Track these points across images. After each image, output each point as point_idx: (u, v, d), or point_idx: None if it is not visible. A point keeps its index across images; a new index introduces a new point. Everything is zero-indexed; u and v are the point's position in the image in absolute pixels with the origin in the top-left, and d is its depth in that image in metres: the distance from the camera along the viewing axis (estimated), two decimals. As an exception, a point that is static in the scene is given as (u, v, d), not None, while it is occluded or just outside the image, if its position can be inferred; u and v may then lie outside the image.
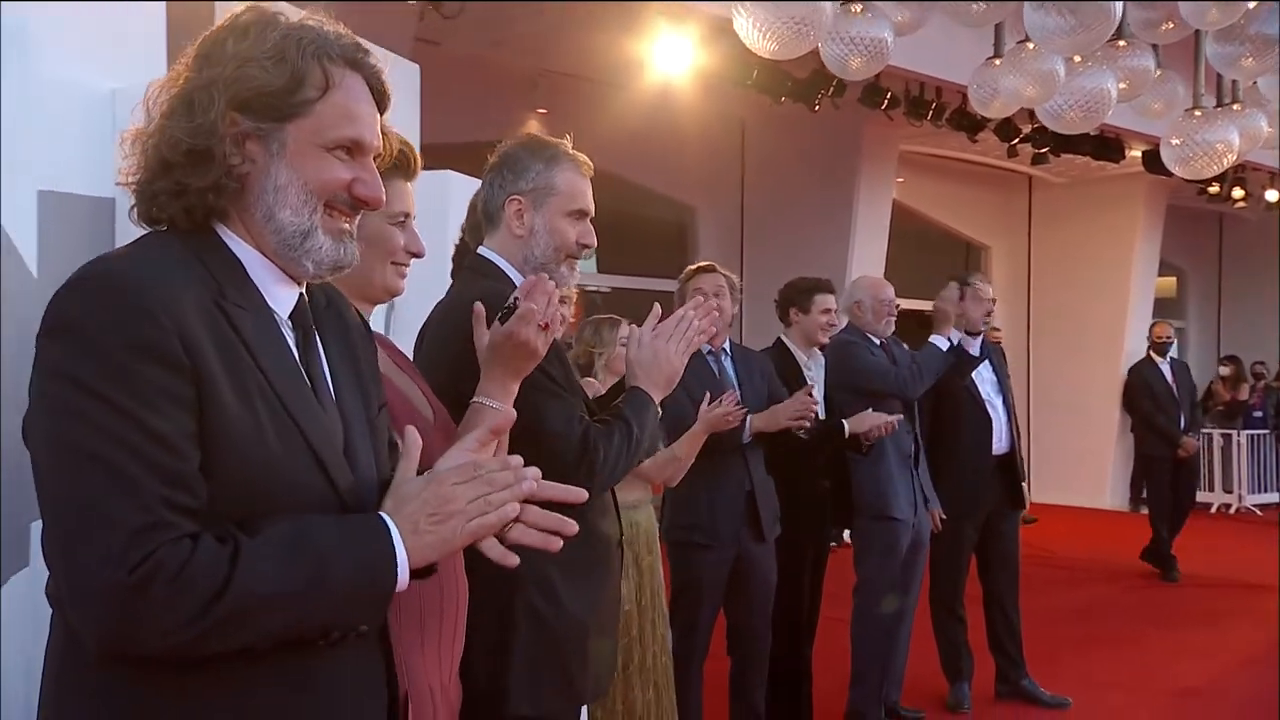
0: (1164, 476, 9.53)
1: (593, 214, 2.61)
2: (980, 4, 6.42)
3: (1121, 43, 7.13)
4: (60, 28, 4.01)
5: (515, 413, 1.64)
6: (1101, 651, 7.00)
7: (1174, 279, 17.07)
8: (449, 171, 5.75)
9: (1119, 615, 8.21)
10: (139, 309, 1.33)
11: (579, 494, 1.65)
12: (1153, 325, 10.11)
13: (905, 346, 5.54)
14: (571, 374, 2.51)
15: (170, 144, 1.44)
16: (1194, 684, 6.37)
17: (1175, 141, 7.53)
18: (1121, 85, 7.03)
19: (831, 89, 8.78)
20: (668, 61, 8.47)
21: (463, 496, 1.45)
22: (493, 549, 1.53)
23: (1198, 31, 6.82)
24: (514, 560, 1.55)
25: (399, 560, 1.41)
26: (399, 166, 2.12)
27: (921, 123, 9.54)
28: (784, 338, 4.97)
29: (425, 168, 6.09)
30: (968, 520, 5.66)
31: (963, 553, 5.76)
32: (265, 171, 1.49)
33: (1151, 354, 9.78)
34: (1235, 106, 7.68)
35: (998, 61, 6.87)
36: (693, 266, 4.64)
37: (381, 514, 1.44)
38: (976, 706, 5.64)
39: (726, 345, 4.57)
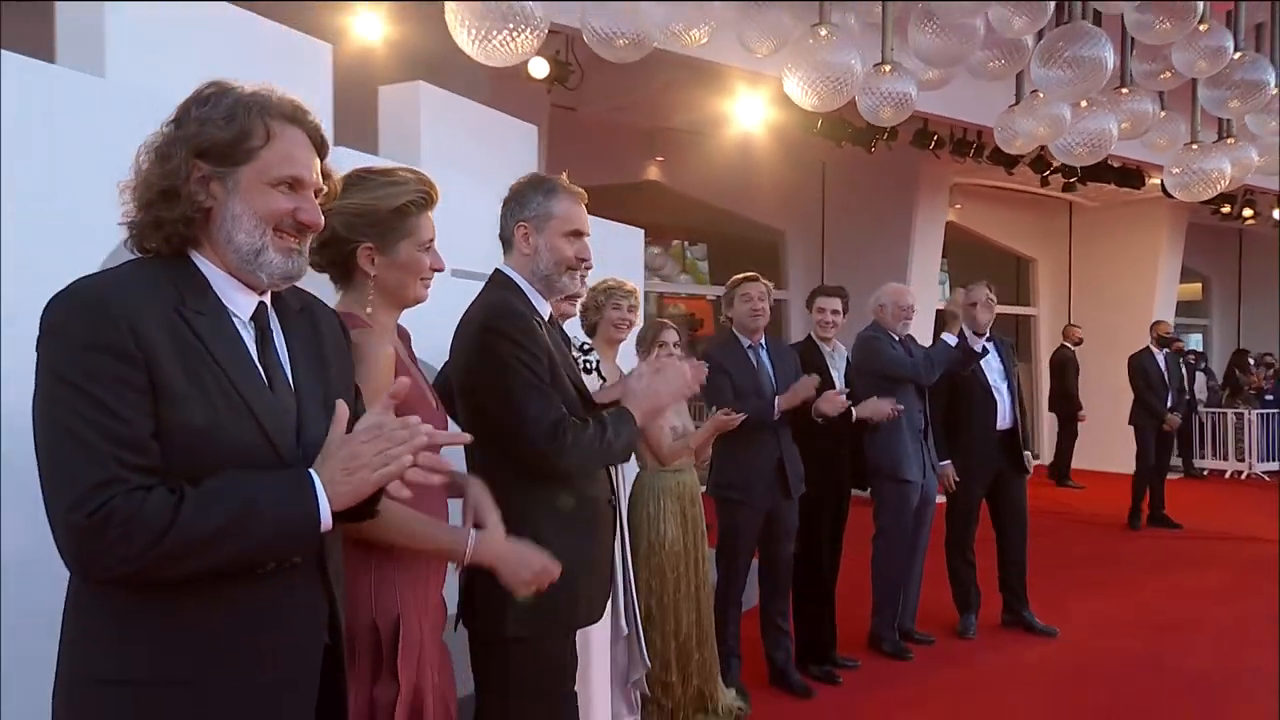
0: (1150, 445, 9.19)
1: (588, 233, 2.55)
2: (997, 61, 6.24)
3: (1124, 90, 6.91)
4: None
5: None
6: (1103, 591, 6.70)
7: (1199, 284, 16.31)
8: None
9: (1124, 562, 7.83)
10: (99, 315, 1.38)
11: (464, 437, 1.69)
12: (1156, 323, 9.66)
13: (947, 340, 5.40)
14: (560, 374, 2.39)
15: (147, 187, 1.49)
16: (1178, 618, 6.07)
17: (1175, 170, 7.31)
18: (1124, 125, 6.81)
19: (886, 134, 8.62)
20: (748, 116, 8.46)
21: (368, 452, 1.45)
22: (392, 488, 1.50)
23: (1194, 78, 6.53)
24: (407, 494, 1.53)
25: (320, 505, 1.43)
26: (425, 203, 2.12)
27: (965, 160, 9.28)
28: (811, 333, 4.93)
29: None
30: (977, 481, 5.53)
31: (973, 508, 5.61)
32: (224, 205, 1.52)
33: (1151, 346, 9.34)
34: (1229, 141, 7.40)
35: (1016, 108, 6.72)
36: (738, 276, 4.61)
37: (309, 470, 1.45)
38: (980, 634, 5.50)
39: (763, 340, 4.52)
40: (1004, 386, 5.58)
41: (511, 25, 4.37)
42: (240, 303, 1.56)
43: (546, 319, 2.48)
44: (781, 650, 4.57)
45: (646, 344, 4.15)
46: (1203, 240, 14.48)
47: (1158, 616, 6.10)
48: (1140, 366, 9.22)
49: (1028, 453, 5.71)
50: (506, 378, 2.27)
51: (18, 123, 3.05)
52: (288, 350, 1.63)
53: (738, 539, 4.40)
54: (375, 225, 2.05)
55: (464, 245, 4.64)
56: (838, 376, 4.81)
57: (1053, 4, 5.49)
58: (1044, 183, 10.24)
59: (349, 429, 1.50)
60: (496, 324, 2.30)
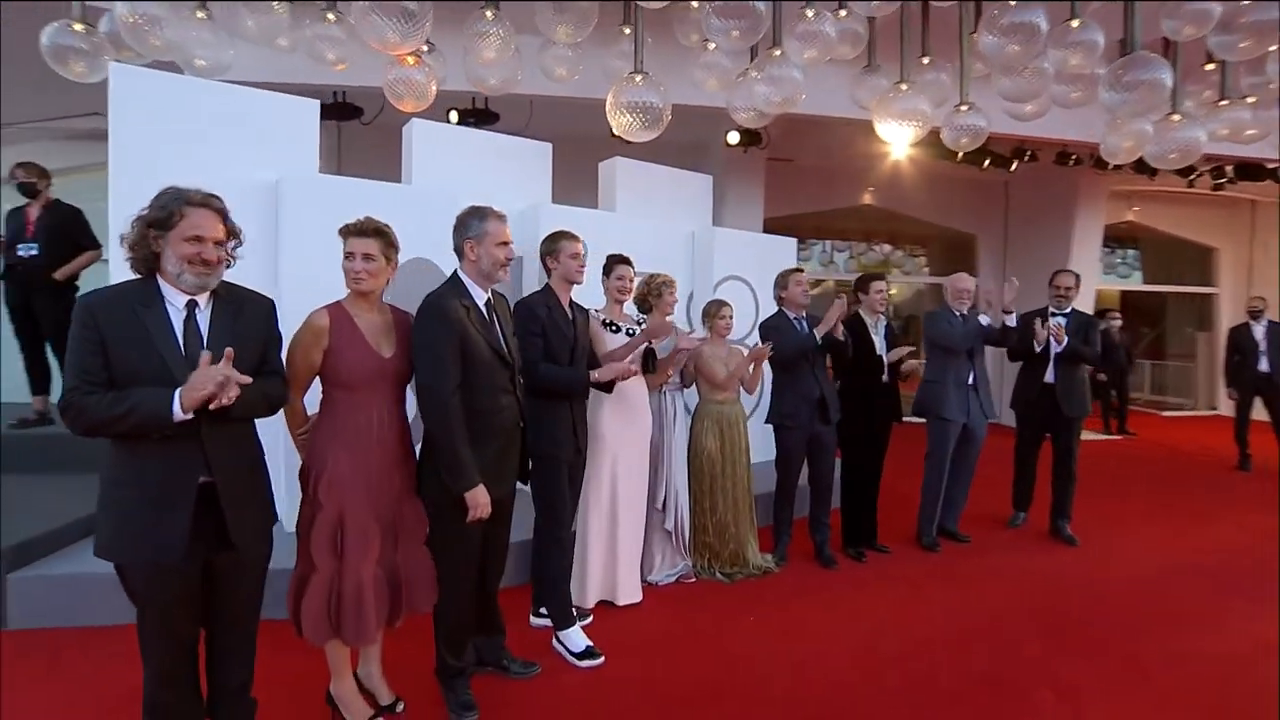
0: (1249, 402, 6.58)
1: (510, 241, 2.36)
2: (1077, 92, 4.76)
3: (1224, 102, 4.97)
4: (467, 164, 4.36)
5: (231, 352, 1.68)
6: (1160, 522, 4.92)
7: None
8: (721, 229, 5.39)
9: (1211, 499, 5.58)
10: (84, 308, 1.67)
11: (245, 379, 1.67)
12: (1251, 298, 6.71)
13: (981, 320, 4.29)
14: (471, 338, 2.22)
15: (128, 242, 1.74)
16: (1200, 548, 4.28)
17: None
18: (1223, 132, 4.90)
19: (1027, 156, 6.91)
20: (899, 150, 7.21)
21: (198, 382, 1.63)
22: (225, 400, 1.66)
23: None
24: (230, 403, 1.66)
25: (175, 406, 1.63)
26: (348, 231, 2.13)
27: (1106, 171, 7.16)
28: (859, 310, 4.09)
29: (775, 233, 5.92)
30: (1031, 418, 4.54)
31: (1028, 441, 4.59)
32: (165, 251, 1.73)
33: (1248, 320, 6.56)
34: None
35: (1106, 128, 5.08)
36: (787, 268, 3.95)
37: (177, 388, 1.64)
38: (1018, 538, 4.36)
39: (804, 315, 3.87)
40: (1056, 348, 4.33)
41: (645, 117, 4.11)
42: (176, 300, 1.75)
43: (482, 303, 2.34)
44: (819, 536, 3.97)
45: (710, 316, 3.78)
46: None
47: (1184, 550, 4.30)
48: (1236, 337, 6.57)
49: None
50: (425, 345, 2.21)
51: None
52: (210, 326, 1.77)
53: (790, 453, 3.87)
54: None
55: (657, 255, 4.57)
56: (878, 340, 4.03)
57: (1102, 41, 4.05)
58: (1190, 184, 7.60)
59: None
60: (426, 309, 2.23)
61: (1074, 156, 6.95)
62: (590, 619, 3.08)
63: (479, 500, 2.20)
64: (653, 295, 3.50)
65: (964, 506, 4.39)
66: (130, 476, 1.69)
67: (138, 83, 3.36)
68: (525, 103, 6.19)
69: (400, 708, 2.36)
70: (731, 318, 3.76)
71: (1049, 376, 4.35)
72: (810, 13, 3.99)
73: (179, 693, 1.83)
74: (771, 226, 7.54)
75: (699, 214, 5.46)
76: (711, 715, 2.37)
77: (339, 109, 5.69)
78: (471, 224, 2.35)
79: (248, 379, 1.69)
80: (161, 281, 1.74)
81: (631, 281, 3.21)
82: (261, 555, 1.91)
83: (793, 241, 5.74)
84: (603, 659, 2.73)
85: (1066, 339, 4.24)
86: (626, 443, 3.16)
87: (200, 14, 4.13)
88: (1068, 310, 4.38)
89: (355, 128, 6.27)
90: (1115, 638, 3.02)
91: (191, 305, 1.75)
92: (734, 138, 6.40)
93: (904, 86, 4.60)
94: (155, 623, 1.76)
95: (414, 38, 3.67)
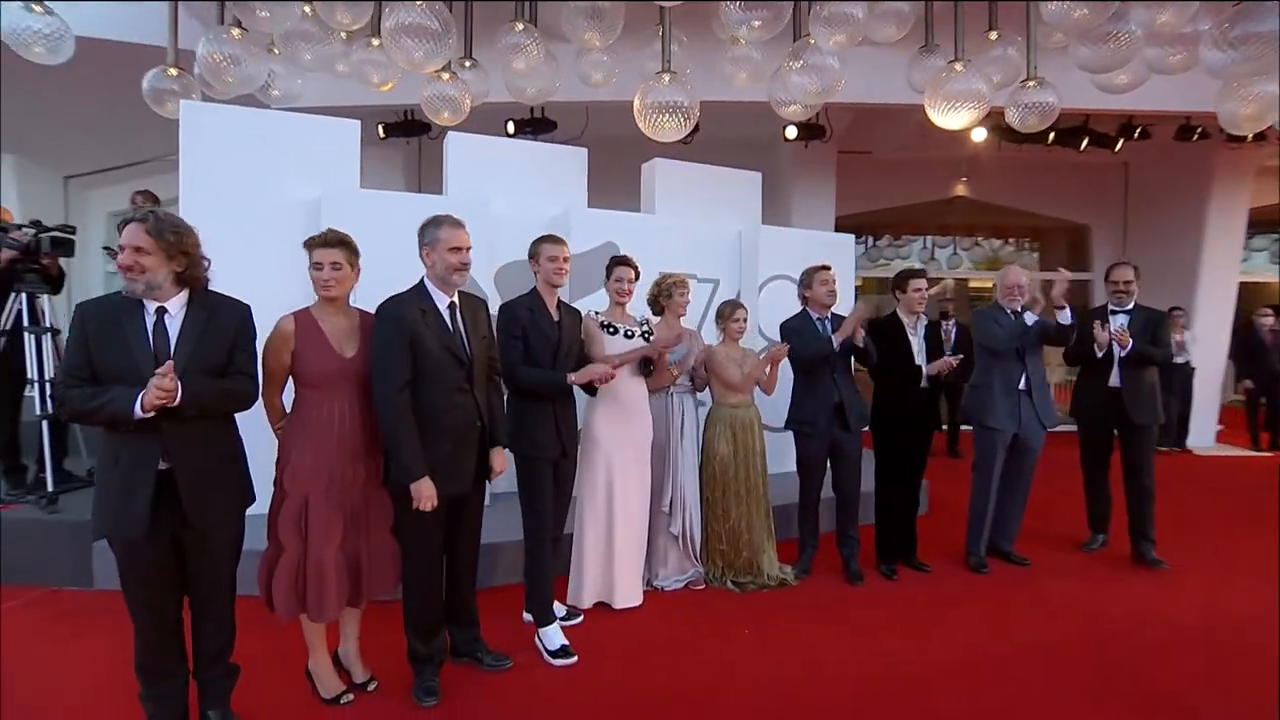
0: None
1: (466, 246, 2.42)
2: (1176, 55, 4.21)
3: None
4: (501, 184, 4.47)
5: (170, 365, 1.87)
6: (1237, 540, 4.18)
7: None
8: (769, 227, 5.21)
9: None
10: (80, 315, 1.90)
11: (171, 388, 1.85)
12: None
13: (1028, 319, 3.85)
14: (422, 339, 2.30)
15: None
16: None
17: None
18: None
19: (1137, 134, 6.13)
20: (978, 134, 6.57)
21: (151, 384, 1.82)
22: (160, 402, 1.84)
23: None
24: (171, 403, 1.85)
25: (135, 405, 1.83)
26: (313, 244, 2.28)
27: (1243, 145, 6.20)
28: (896, 309, 3.80)
29: (852, 230, 5.73)
30: (1097, 427, 4.05)
31: (1096, 449, 4.09)
32: None
33: None
34: None
35: (1216, 95, 4.41)
36: (813, 265, 3.70)
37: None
38: (1095, 563, 3.88)
39: (829, 315, 3.65)
40: (1118, 351, 3.85)
41: (674, 116, 4.06)
42: (150, 307, 1.95)
43: (443, 307, 2.42)
44: (847, 550, 3.74)
45: (724, 319, 3.68)
46: None
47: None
48: None
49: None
50: (377, 346, 2.32)
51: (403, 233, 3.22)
52: (180, 330, 1.96)
53: (810, 460, 3.67)
54: None
55: (698, 256, 4.49)
56: (916, 342, 3.74)
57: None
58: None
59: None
60: (380, 312, 2.34)
61: (1198, 130, 6.09)
62: (580, 619, 3.10)
63: (423, 492, 2.29)
64: (663, 296, 3.47)
65: (1019, 524, 3.98)
66: (110, 462, 1.93)
67: (202, 117, 3.78)
68: (581, 110, 6.32)
69: (373, 687, 2.50)
70: (746, 320, 3.65)
71: (1114, 380, 3.89)
72: (837, -4, 3.79)
73: (163, 655, 2.07)
74: (848, 224, 7.21)
75: (747, 212, 5.32)
76: (668, 724, 2.32)
77: (406, 126, 6.07)
78: (427, 232, 2.45)
79: (172, 386, 1.87)
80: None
81: (631, 284, 3.19)
82: (228, 534, 2.11)
83: (849, 239, 5.46)
84: (575, 659, 2.74)
85: (1132, 342, 3.75)
86: (622, 445, 3.15)
87: (273, 49, 4.60)
88: (1129, 307, 3.92)
89: (434, 144, 6.66)
90: (1186, 696, 2.51)
91: (161, 311, 1.95)
92: (792, 132, 6.17)
93: (958, 66, 4.26)
94: (134, 591, 2.01)
95: (439, 56, 3.86)
